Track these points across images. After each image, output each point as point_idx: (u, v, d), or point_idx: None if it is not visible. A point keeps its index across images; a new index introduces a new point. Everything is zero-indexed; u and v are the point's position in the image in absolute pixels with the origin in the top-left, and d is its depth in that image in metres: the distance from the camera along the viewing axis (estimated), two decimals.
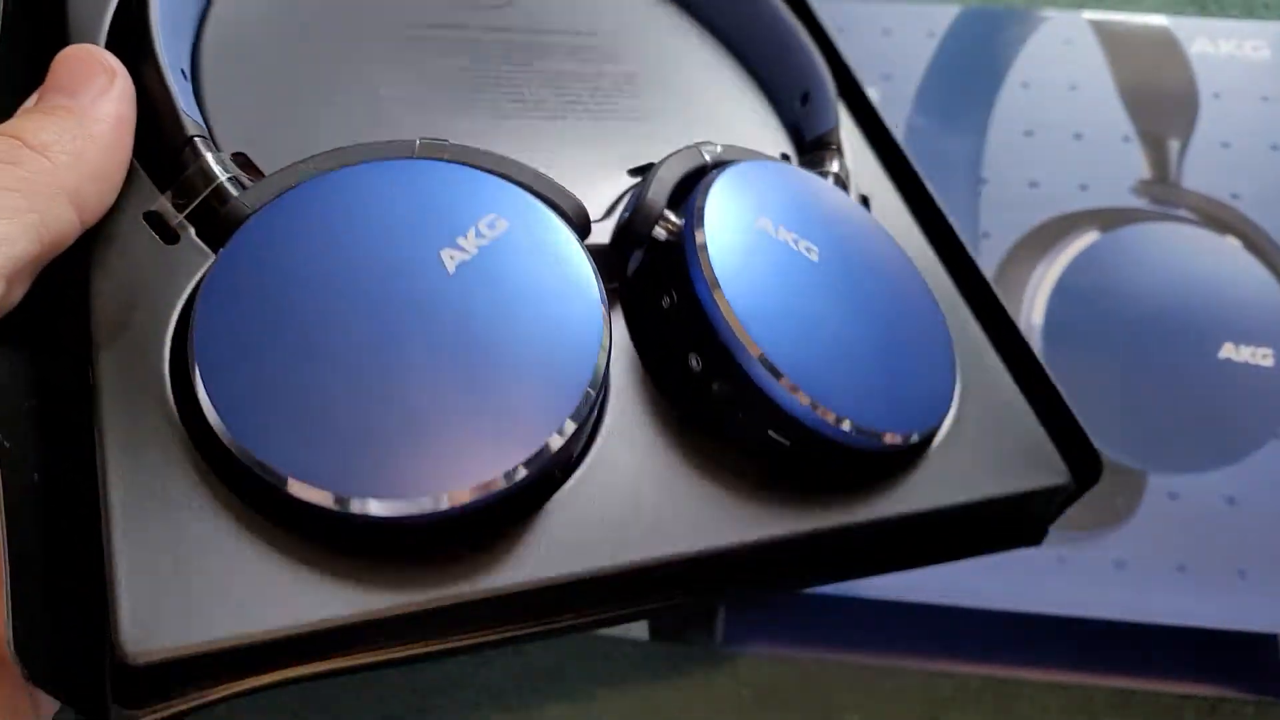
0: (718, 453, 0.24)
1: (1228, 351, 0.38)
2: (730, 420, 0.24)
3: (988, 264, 0.40)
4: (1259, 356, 0.38)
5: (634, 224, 0.25)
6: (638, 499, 0.23)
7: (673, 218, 0.25)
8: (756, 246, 0.24)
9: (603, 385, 0.22)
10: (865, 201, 0.31)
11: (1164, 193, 0.41)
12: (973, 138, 0.43)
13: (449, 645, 0.21)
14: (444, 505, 0.19)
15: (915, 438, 0.24)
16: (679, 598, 0.24)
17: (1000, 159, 0.42)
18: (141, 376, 0.21)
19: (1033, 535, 0.28)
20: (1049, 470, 0.26)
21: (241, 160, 0.23)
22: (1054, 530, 0.35)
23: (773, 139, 0.31)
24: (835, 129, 0.30)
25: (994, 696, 0.41)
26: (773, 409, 0.23)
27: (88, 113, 0.21)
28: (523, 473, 0.20)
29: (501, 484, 0.20)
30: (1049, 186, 0.42)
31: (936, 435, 0.26)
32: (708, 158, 0.26)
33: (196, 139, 0.22)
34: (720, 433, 0.24)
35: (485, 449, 0.20)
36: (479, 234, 0.22)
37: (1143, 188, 0.41)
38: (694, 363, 0.24)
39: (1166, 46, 0.45)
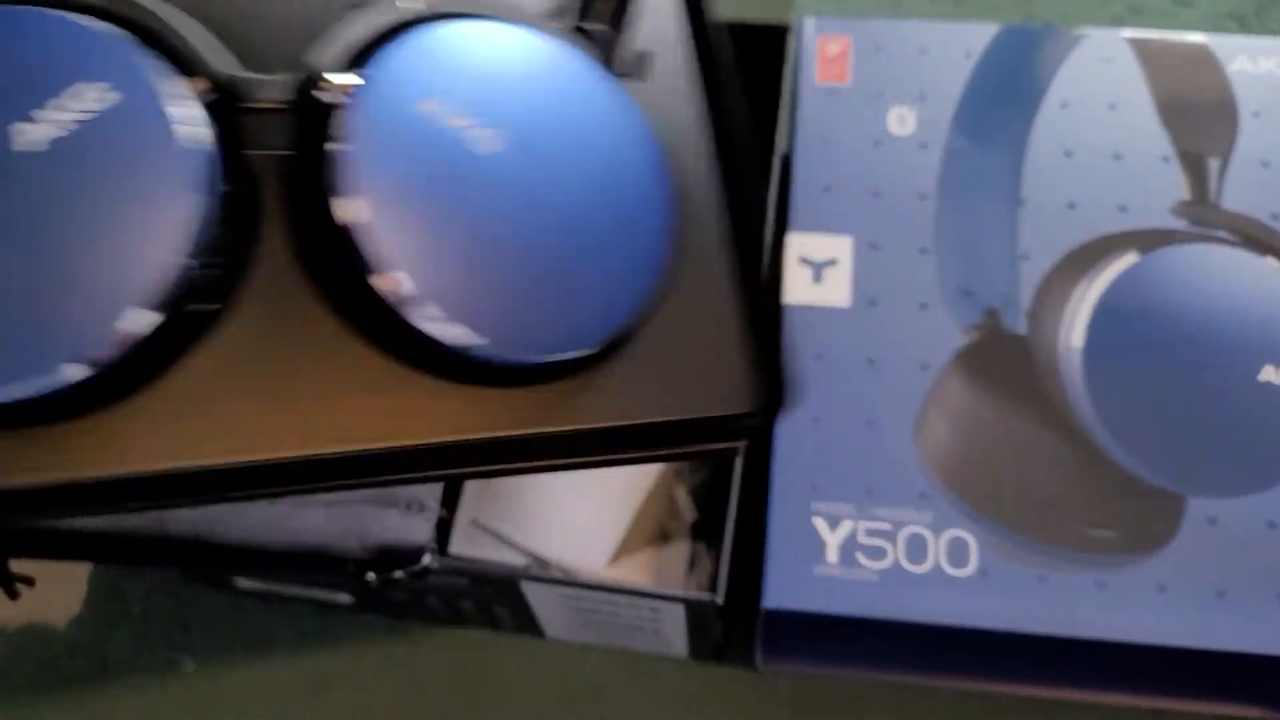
0: (361, 351, 0.23)
1: (1268, 374, 0.38)
2: (370, 325, 0.23)
3: (1027, 285, 0.40)
4: None
5: (299, 88, 0.23)
6: (267, 393, 0.22)
7: (338, 83, 0.22)
8: (415, 136, 0.22)
9: (215, 268, 0.21)
10: (643, 63, 0.28)
11: (1203, 213, 0.41)
12: (1011, 158, 0.43)
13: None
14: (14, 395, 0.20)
15: (572, 355, 0.23)
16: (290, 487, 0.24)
17: (1039, 180, 0.42)
18: None
19: (727, 452, 0.27)
20: (731, 398, 0.25)
21: None
22: (1094, 555, 0.35)
23: None
24: None
25: (1029, 717, 0.41)
26: (404, 326, 0.22)
27: None
28: (109, 352, 0.20)
29: (83, 368, 0.20)
30: (1088, 207, 0.41)
31: (621, 346, 0.24)
32: (404, 14, 0.23)
33: None
34: (366, 331, 0.23)
35: (69, 328, 0.20)
36: (73, 106, 0.20)
37: (1182, 209, 0.41)
38: (334, 260, 0.22)
39: (1206, 64, 0.44)
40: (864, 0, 0.60)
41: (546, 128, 0.23)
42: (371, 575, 0.34)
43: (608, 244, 0.24)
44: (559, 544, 0.44)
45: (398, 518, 0.35)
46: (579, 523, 0.44)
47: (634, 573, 0.44)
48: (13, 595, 0.38)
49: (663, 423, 0.25)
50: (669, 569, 0.44)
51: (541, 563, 0.44)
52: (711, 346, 0.26)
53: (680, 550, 0.44)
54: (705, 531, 0.44)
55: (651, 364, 0.25)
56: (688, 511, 0.45)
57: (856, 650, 0.41)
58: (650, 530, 0.44)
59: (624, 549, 0.44)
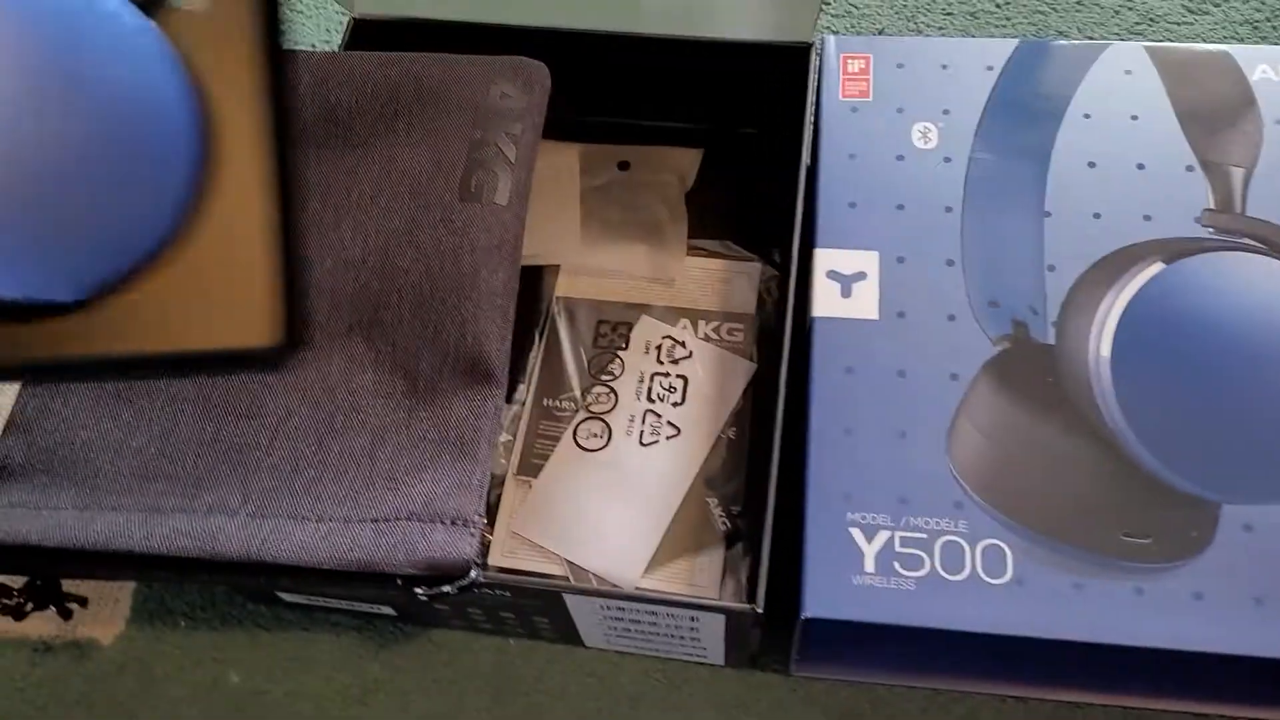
0: None
1: None
2: None
3: (1054, 296, 0.41)
4: None
5: None
6: None
7: None
8: None
9: None
10: None
11: (1229, 221, 0.42)
12: (1035, 170, 0.44)
13: None
14: None
15: (74, 289, 0.23)
16: None
17: (1063, 191, 0.43)
18: None
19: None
20: (250, 332, 0.26)
21: None
22: (1130, 562, 0.36)
23: None
24: None
25: None
26: None
27: None
28: None
29: None
30: (1113, 218, 0.42)
31: (142, 276, 0.24)
32: None
33: None
34: None
35: None
36: None
37: (1207, 217, 0.42)
38: None
39: (1227, 74, 0.45)
40: (879, 17, 0.61)
41: (54, 63, 0.22)
42: (421, 590, 0.35)
43: (122, 178, 0.23)
44: (595, 554, 0.45)
45: (444, 533, 0.36)
46: (614, 533, 0.45)
47: (668, 582, 0.44)
48: (66, 615, 0.39)
49: (181, 353, 0.25)
50: (702, 578, 0.44)
51: (579, 572, 0.45)
52: (236, 282, 0.26)
53: (714, 559, 0.45)
54: (737, 541, 0.45)
55: (174, 294, 0.25)
56: (720, 521, 0.45)
57: (891, 656, 0.42)
58: (683, 540, 0.45)
59: (658, 559, 0.45)
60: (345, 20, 0.52)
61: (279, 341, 0.26)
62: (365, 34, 0.51)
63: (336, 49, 0.58)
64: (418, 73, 0.45)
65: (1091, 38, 0.59)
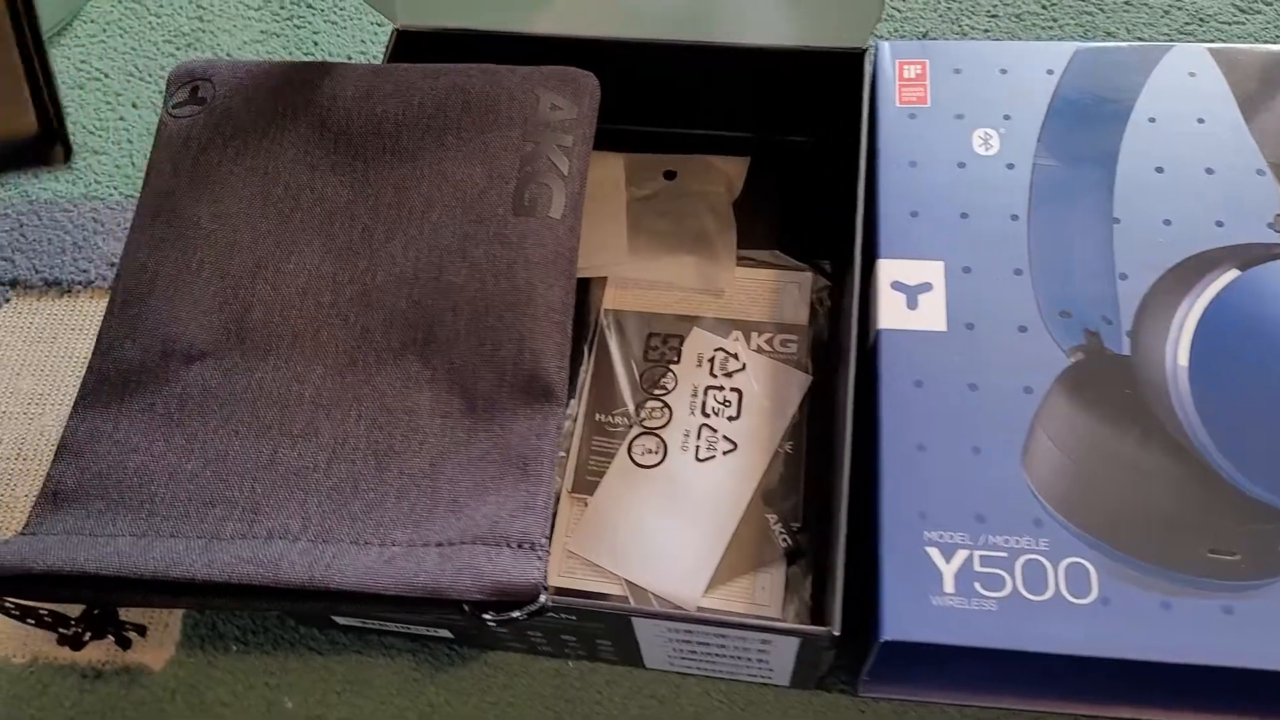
0: None
1: None
2: None
3: (1128, 305, 0.40)
4: None
5: None
6: None
7: None
8: None
9: None
10: None
11: None
12: (1101, 176, 0.43)
13: None
14: None
15: None
16: None
17: (1131, 197, 0.42)
18: None
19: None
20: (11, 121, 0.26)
21: None
22: (1218, 579, 0.35)
23: None
24: None
25: None
26: None
27: None
28: None
29: None
30: (1183, 224, 0.41)
31: None
32: None
33: None
34: None
35: None
36: None
37: None
38: None
39: None
40: (922, 20, 0.60)
41: None
42: (490, 616, 0.34)
43: None
44: (655, 574, 0.44)
45: (511, 557, 0.35)
46: (674, 552, 0.44)
47: (729, 601, 0.43)
48: (125, 644, 0.39)
49: None
50: (764, 597, 0.43)
51: (639, 592, 0.44)
52: None
53: (775, 578, 0.44)
54: (797, 558, 0.44)
55: None
56: (780, 538, 0.44)
57: (960, 676, 0.41)
58: (744, 558, 0.44)
59: (719, 577, 0.44)
60: (388, 31, 0.51)
61: (36, 131, 0.27)
62: (408, 45, 0.50)
63: (374, 60, 0.58)
64: (465, 84, 0.45)
65: (1141, 39, 0.58)
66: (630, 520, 0.45)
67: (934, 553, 0.36)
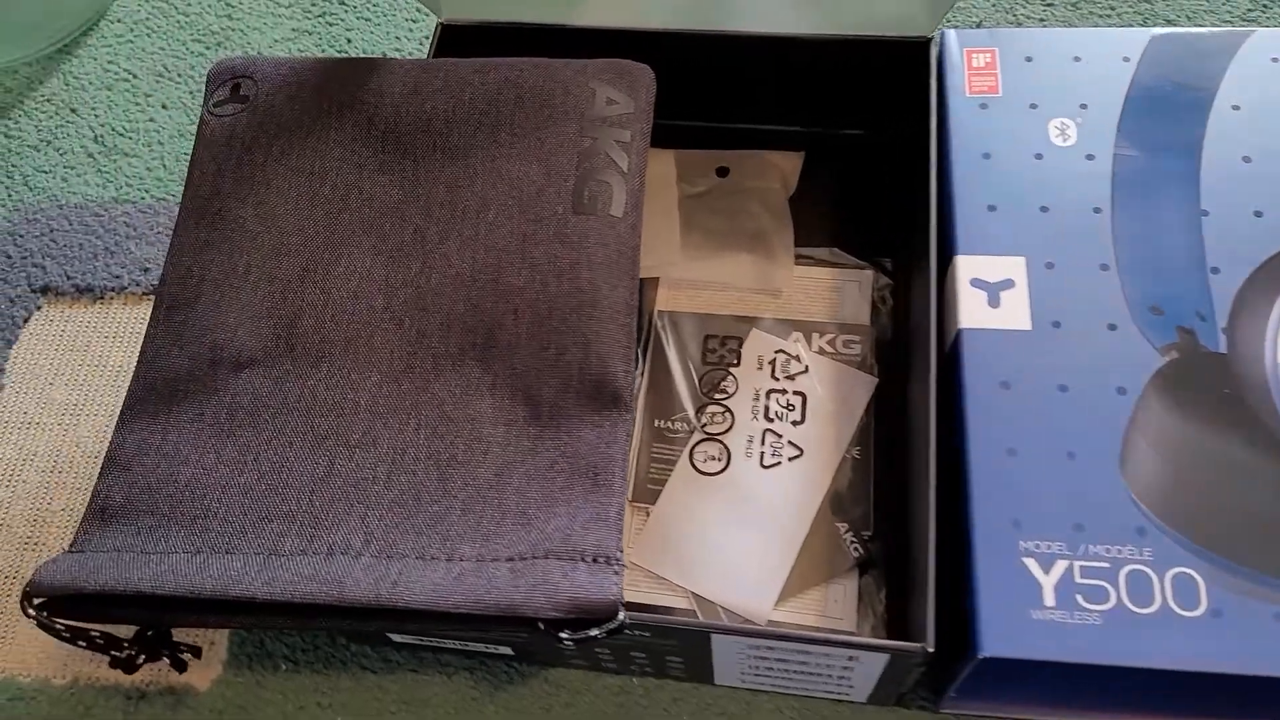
0: None
1: None
2: None
3: (1222, 301, 0.38)
4: None
5: None
6: None
7: None
8: None
9: None
10: None
11: None
12: (1186, 166, 0.41)
13: None
14: None
15: None
16: None
17: (1219, 188, 0.40)
18: None
19: None
20: None
21: None
22: None
23: None
24: None
25: None
26: None
27: None
28: None
29: None
30: (1275, 215, 0.39)
31: None
32: None
33: None
34: None
35: None
36: None
37: None
38: None
39: None
40: (975, 9, 0.58)
41: None
42: (567, 635, 0.32)
43: None
44: (723, 586, 0.42)
45: (587, 572, 0.33)
46: (741, 563, 0.42)
47: (800, 614, 0.42)
48: (181, 667, 0.37)
49: None
50: (836, 609, 0.42)
51: (706, 606, 0.42)
52: None
53: (847, 589, 0.42)
54: (869, 568, 0.42)
55: None
56: (851, 548, 0.43)
57: (1048, 689, 0.39)
58: (814, 569, 0.42)
59: (789, 589, 0.42)
60: (422, 27, 0.49)
61: None
62: (453, 39, 0.49)
63: (414, 55, 0.56)
64: (517, 79, 0.43)
65: (1201, 24, 0.56)
66: (695, 530, 0.43)
67: (1031, 563, 0.34)
